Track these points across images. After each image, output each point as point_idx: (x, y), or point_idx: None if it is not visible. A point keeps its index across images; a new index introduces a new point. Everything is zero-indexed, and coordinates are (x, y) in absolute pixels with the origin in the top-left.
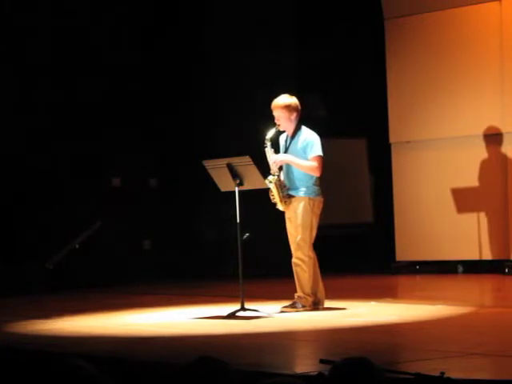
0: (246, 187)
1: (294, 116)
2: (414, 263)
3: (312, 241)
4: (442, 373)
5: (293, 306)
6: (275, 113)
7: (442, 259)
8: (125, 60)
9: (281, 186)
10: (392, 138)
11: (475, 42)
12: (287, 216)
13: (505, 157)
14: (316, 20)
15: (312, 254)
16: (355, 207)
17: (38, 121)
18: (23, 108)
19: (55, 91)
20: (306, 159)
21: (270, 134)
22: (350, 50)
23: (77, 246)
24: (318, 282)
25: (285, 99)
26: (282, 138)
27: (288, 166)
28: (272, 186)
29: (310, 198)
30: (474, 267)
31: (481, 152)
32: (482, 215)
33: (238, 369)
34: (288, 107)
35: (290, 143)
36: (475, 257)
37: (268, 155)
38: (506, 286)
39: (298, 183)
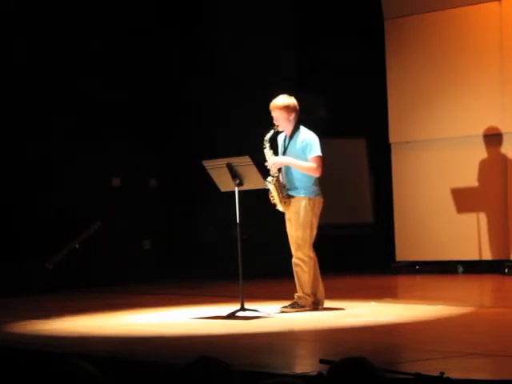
0: (245, 187)
1: (292, 116)
2: (413, 263)
3: (312, 241)
4: (442, 373)
5: (293, 306)
6: (274, 113)
7: (442, 259)
8: (125, 60)
9: (280, 186)
10: (392, 138)
11: (475, 42)
12: (287, 216)
13: (505, 157)
14: (316, 20)
15: (312, 254)
16: (355, 207)
17: (39, 121)
18: (22, 108)
19: (55, 91)
20: (305, 159)
21: (269, 134)
22: (350, 49)
23: (77, 246)
24: (318, 282)
25: (283, 100)
26: (281, 138)
27: (287, 166)
28: (271, 187)
29: (309, 198)
30: (473, 267)
31: (481, 152)
32: (482, 215)
33: (237, 369)
34: (287, 108)
35: (289, 144)
36: (475, 257)
37: (267, 156)
38: (505, 286)
39: (297, 183)
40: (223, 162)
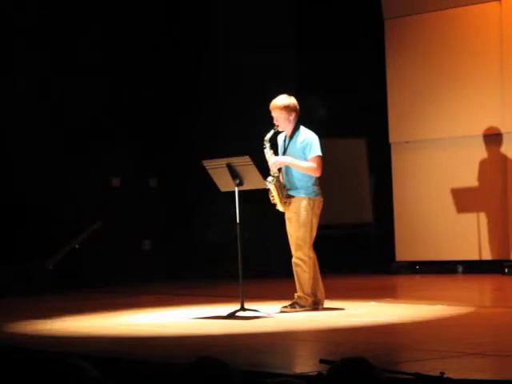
0: (245, 187)
1: (292, 116)
2: (414, 263)
3: (312, 241)
4: (442, 373)
5: (292, 306)
6: (274, 113)
7: (441, 259)
8: (125, 60)
9: (280, 186)
10: (392, 138)
11: (475, 42)
12: (287, 216)
13: (505, 157)
14: (316, 20)
15: (312, 254)
16: (355, 207)
17: (39, 121)
18: (22, 108)
19: (55, 91)
20: (305, 159)
21: (269, 134)
22: (350, 49)
23: (77, 246)
24: (318, 282)
25: (284, 100)
26: (281, 139)
27: (287, 166)
28: (272, 187)
29: (309, 198)
30: (473, 267)
31: (481, 152)
32: (482, 215)
33: (237, 369)
34: (287, 108)
35: (289, 144)
36: (475, 257)
37: (267, 156)
38: (505, 285)
39: (297, 183)
40: (223, 161)
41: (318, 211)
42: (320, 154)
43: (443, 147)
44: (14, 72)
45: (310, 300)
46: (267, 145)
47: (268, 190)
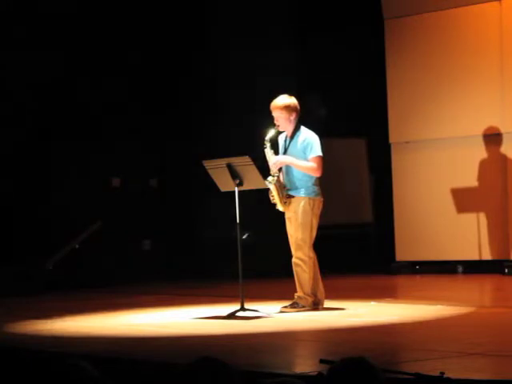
0: (245, 187)
1: (293, 116)
2: (414, 263)
3: (312, 241)
4: (442, 373)
5: (293, 306)
6: (274, 113)
7: (442, 259)
8: (124, 59)
9: (280, 186)
10: (392, 138)
11: (475, 42)
12: (287, 216)
13: (505, 157)
14: (316, 20)
15: (312, 254)
16: (355, 207)
17: (39, 120)
18: (22, 107)
19: (55, 91)
20: (306, 159)
21: (270, 134)
22: (350, 49)
23: (77, 246)
24: (318, 282)
25: (284, 100)
26: (281, 138)
27: (287, 166)
28: (272, 187)
29: (309, 198)
30: (473, 267)
31: (481, 152)
32: (482, 215)
33: (237, 369)
34: (287, 108)
35: (290, 144)
36: (475, 257)
37: (268, 156)
38: (505, 285)
39: (297, 183)
40: (223, 161)
41: (318, 211)
42: (321, 154)
43: (443, 147)
44: (15, 70)
45: (310, 300)
46: (268, 145)
47: (268, 189)
